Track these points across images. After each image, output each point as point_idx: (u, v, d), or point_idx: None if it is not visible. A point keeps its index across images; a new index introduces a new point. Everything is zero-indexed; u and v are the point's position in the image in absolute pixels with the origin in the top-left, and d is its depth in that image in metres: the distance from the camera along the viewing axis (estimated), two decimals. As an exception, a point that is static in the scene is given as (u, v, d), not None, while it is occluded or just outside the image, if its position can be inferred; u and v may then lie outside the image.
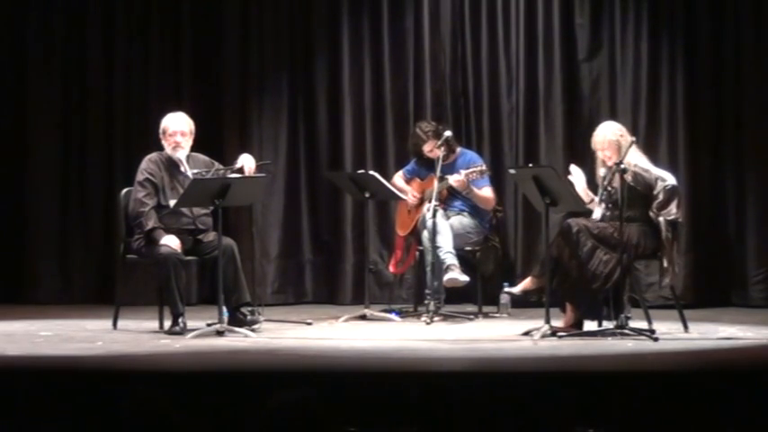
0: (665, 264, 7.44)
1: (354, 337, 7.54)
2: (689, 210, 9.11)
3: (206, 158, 7.99)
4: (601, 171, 7.52)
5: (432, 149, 8.61)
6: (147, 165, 7.80)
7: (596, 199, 7.52)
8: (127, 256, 7.85)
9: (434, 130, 8.64)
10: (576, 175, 7.59)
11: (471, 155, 8.74)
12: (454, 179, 8.36)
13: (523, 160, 9.21)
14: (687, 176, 9.05)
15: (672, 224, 7.41)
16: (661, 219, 7.39)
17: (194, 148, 7.95)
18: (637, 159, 7.45)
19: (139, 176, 7.77)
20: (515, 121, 9.39)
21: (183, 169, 7.76)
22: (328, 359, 6.63)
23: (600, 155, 7.52)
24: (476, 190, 8.50)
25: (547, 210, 7.38)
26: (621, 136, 7.48)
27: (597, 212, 7.50)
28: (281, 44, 9.63)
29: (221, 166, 7.93)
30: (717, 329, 7.68)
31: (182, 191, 7.61)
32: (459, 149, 8.73)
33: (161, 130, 7.83)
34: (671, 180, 7.45)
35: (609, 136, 7.50)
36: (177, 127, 7.79)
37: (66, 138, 9.65)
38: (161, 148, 7.86)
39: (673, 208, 7.41)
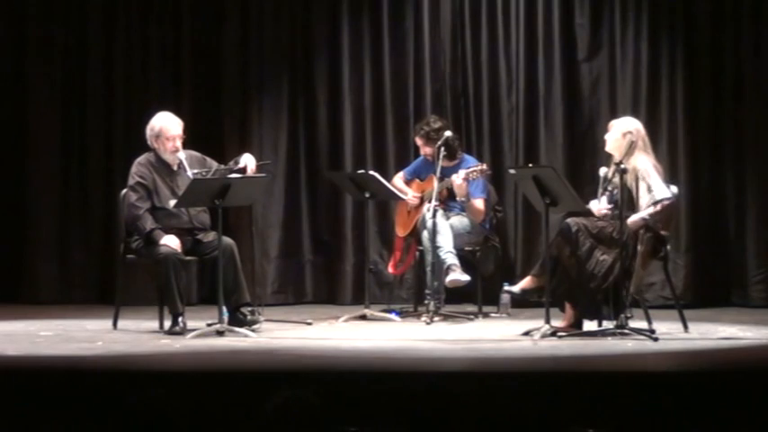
0: (635, 267, 7.32)
1: (354, 337, 7.53)
2: (689, 209, 9.12)
3: (198, 155, 7.94)
4: (601, 170, 7.52)
5: (422, 146, 8.64)
6: (138, 168, 7.77)
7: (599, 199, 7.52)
8: (127, 257, 7.85)
9: (428, 131, 8.59)
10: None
11: (474, 161, 8.69)
12: (456, 183, 8.34)
13: (523, 160, 9.21)
14: (687, 176, 9.05)
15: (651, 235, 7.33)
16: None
17: (194, 148, 7.96)
18: (645, 165, 7.38)
19: (130, 181, 7.75)
20: (515, 121, 9.39)
21: (182, 168, 7.72)
22: (328, 359, 6.63)
23: (606, 136, 7.53)
24: (471, 200, 8.48)
25: (547, 210, 7.38)
26: (630, 133, 7.44)
27: (594, 204, 7.51)
28: (281, 44, 9.63)
29: (216, 163, 7.90)
30: (717, 329, 7.68)
31: (176, 191, 7.61)
32: (461, 155, 8.70)
33: (155, 133, 7.75)
34: (662, 194, 7.31)
35: (621, 126, 7.49)
36: (177, 131, 7.75)
37: (66, 138, 9.64)
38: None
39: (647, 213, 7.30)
